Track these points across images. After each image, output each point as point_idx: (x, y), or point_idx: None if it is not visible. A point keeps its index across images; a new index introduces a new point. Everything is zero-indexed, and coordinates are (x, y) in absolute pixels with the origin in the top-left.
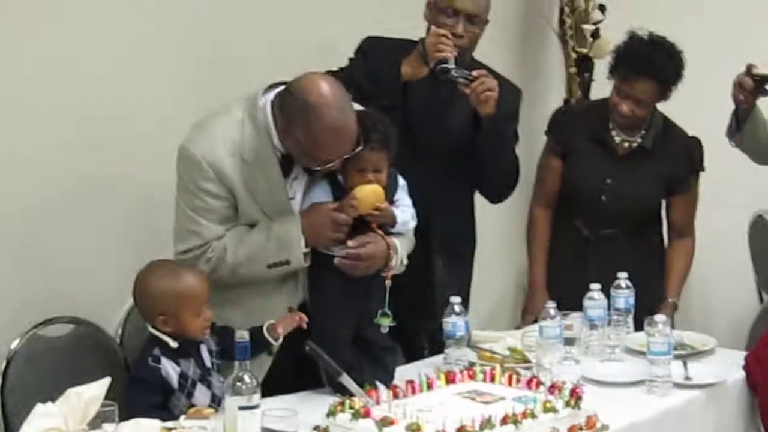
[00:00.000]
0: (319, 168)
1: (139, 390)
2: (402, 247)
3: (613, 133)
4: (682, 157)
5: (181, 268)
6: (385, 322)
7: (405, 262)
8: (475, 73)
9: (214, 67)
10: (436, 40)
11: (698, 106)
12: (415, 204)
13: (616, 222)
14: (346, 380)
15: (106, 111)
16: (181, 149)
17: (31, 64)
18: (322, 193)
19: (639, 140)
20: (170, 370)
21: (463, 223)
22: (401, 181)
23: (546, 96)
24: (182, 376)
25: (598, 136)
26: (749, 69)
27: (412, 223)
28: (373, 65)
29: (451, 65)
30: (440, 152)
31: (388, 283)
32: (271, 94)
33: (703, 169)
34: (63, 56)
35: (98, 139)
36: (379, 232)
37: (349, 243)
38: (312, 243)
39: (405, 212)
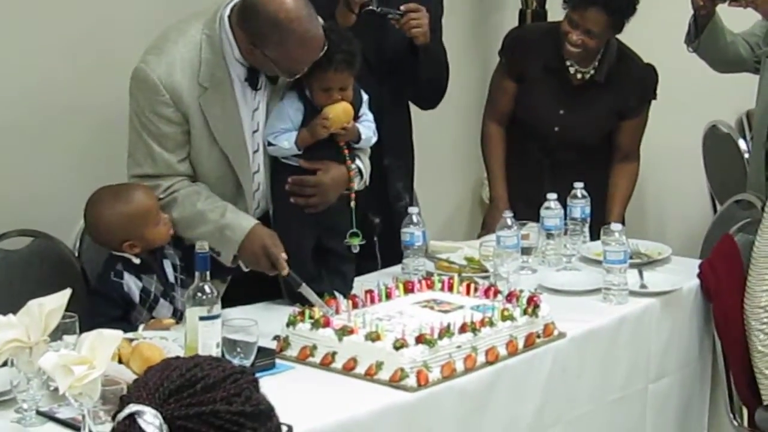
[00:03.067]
0: (288, 77)
1: (99, 303)
2: (366, 167)
3: (568, 63)
4: (635, 88)
5: (124, 190)
6: (355, 242)
7: (367, 181)
8: (403, 7)
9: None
10: None
11: (654, 17)
12: None
13: (569, 149)
14: (306, 291)
15: (65, 35)
16: (138, 71)
17: None
18: (292, 110)
19: (592, 72)
20: (132, 285)
21: (401, 136)
22: (364, 96)
23: (502, 6)
24: (144, 291)
25: (552, 65)
26: None
27: (374, 138)
28: None
29: (374, 6)
30: (378, 77)
31: (352, 204)
32: (227, 10)
33: (655, 98)
34: None
35: (56, 62)
36: (345, 152)
37: (302, 163)
38: (244, 263)
39: (368, 128)
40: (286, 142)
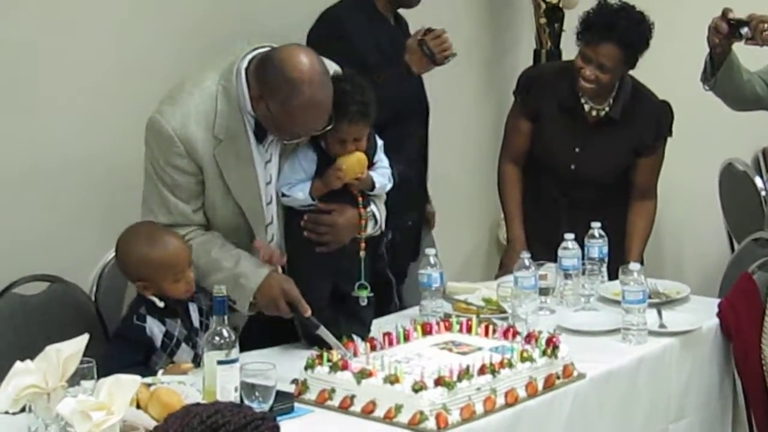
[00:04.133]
0: (284, 140)
1: (120, 346)
2: (380, 212)
3: (582, 100)
4: (650, 125)
5: (160, 234)
6: (363, 294)
7: (383, 227)
8: None
9: (191, 46)
10: (440, 41)
11: (669, 55)
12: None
13: (586, 187)
14: (324, 333)
15: (82, 79)
16: (153, 121)
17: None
18: (306, 161)
19: (607, 109)
20: (155, 329)
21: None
22: (379, 141)
23: (516, 47)
24: (167, 335)
25: (567, 103)
26: (725, 13)
27: (389, 185)
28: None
29: (452, 59)
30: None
31: (362, 254)
32: (245, 62)
33: (670, 135)
34: (38, 35)
35: (71, 107)
36: (359, 199)
37: (319, 204)
38: (261, 309)
39: (383, 175)
40: (301, 193)
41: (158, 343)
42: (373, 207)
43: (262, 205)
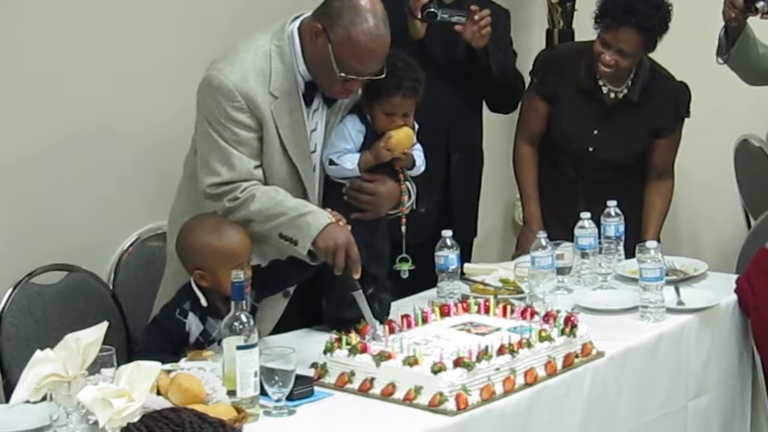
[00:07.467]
0: (337, 83)
1: (154, 333)
2: (413, 190)
3: (600, 83)
4: (668, 106)
5: (225, 225)
6: (405, 267)
7: (414, 205)
8: (474, 7)
9: (214, 15)
10: None
11: (682, 31)
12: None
13: (604, 168)
14: (360, 297)
15: (104, 62)
16: (210, 78)
17: (29, 15)
18: (354, 131)
19: (625, 91)
20: (193, 327)
21: (471, 137)
22: (416, 125)
23: (529, 26)
24: (203, 334)
25: (585, 86)
26: None
27: (423, 168)
28: None
29: (435, 8)
30: (451, 82)
31: (403, 228)
32: (298, 22)
33: (688, 115)
34: (61, 10)
35: (94, 90)
36: (401, 175)
37: (363, 174)
38: (318, 248)
39: (419, 157)
40: (349, 163)
41: (192, 339)
42: (408, 183)
43: (311, 165)
